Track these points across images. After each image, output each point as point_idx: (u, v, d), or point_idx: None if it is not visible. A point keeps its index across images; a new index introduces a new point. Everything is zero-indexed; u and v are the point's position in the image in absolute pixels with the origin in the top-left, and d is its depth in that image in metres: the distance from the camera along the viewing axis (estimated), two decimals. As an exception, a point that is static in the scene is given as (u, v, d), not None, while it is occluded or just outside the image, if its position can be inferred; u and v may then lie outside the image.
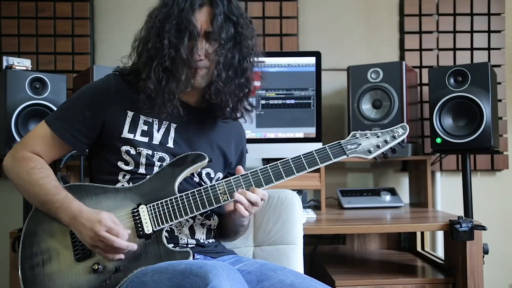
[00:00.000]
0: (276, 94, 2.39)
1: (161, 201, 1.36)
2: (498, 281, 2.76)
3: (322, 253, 2.58)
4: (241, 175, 1.39)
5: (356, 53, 2.77)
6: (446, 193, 2.76)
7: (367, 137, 1.45)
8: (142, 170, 1.42)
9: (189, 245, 1.44)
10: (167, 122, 1.46)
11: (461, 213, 2.14)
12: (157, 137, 1.44)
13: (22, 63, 2.13)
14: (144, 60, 1.38)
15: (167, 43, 1.34)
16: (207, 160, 1.42)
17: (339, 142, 1.43)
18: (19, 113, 2.06)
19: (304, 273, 1.45)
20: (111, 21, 2.75)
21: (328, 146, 1.42)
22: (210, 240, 1.50)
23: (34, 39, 2.69)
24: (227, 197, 1.37)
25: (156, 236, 1.34)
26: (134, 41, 1.44)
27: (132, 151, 1.42)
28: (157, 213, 1.35)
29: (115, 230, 1.27)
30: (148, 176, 1.41)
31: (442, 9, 2.78)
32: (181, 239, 1.43)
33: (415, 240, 2.60)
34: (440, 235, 2.68)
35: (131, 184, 1.41)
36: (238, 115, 1.51)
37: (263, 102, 2.38)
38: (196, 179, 1.48)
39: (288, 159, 1.39)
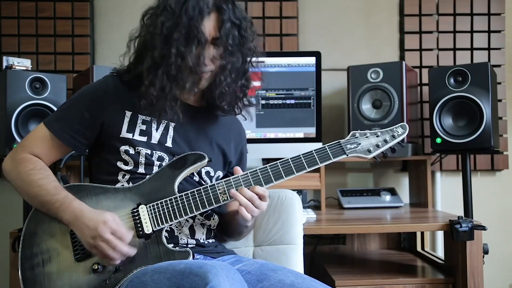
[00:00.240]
0: (276, 94, 2.39)
1: (160, 201, 1.36)
2: (498, 281, 2.76)
3: (322, 253, 2.58)
4: (241, 175, 1.39)
5: (356, 53, 2.78)
6: (446, 193, 2.76)
7: (366, 137, 1.45)
8: (141, 169, 1.42)
9: (189, 245, 1.44)
10: (166, 121, 1.46)
11: (461, 213, 2.14)
12: (156, 136, 1.44)
13: (22, 63, 2.13)
14: (148, 66, 1.36)
15: (174, 51, 1.33)
16: (206, 160, 1.42)
17: (339, 142, 1.43)
18: (19, 113, 2.06)
19: (304, 273, 1.45)
20: (111, 21, 2.75)
21: (327, 146, 1.42)
22: (210, 240, 1.50)
23: (34, 39, 2.69)
24: (227, 197, 1.37)
25: (156, 236, 1.34)
26: (130, 41, 1.43)
27: (131, 151, 1.42)
28: (157, 213, 1.35)
29: (119, 232, 1.27)
30: (147, 176, 1.41)
31: (442, 9, 2.78)
32: (181, 239, 1.43)
33: (415, 240, 2.60)
34: (440, 235, 2.68)
35: (130, 184, 1.41)
36: (237, 111, 1.53)
37: (263, 102, 2.38)
38: (196, 178, 1.48)
39: (288, 159, 1.39)
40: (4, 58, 2.11)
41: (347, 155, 1.42)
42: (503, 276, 2.78)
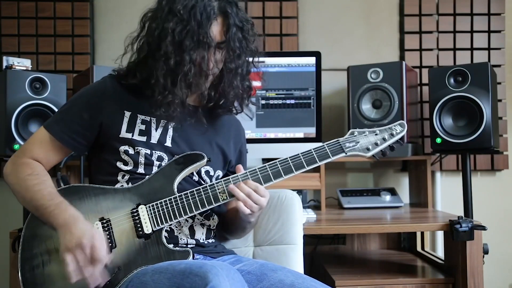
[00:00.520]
0: (276, 94, 2.39)
1: (160, 201, 1.37)
2: (498, 281, 2.76)
3: (322, 253, 2.58)
4: (240, 174, 1.39)
5: (356, 53, 2.78)
6: (446, 193, 2.76)
7: (365, 135, 1.45)
8: (141, 170, 1.42)
9: (189, 245, 1.44)
10: (165, 121, 1.46)
11: (461, 213, 2.14)
12: (155, 136, 1.44)
13: (22, 63, 2.13)
14: (163, 73, 1.35)
15: (188, 58, 1.34)
16: (206, 159, 1.43)
17: (338, 140, 1.43)
18: (19, 113, 2.05)
19: (304, 273, 1.45)
20: (111, 21, 2.75)
21: (326, 144, 1.42)
22: (210, 240, 1.50)
23: (34, 39, 2.69)
24: (226, 196, 1.38)
25: (155, 236, 1.34)
26: (131, 44, 1.43)
27: (131, 151, 1.42)
28: (157, 213, 1.35)
29: (97, 251, 1.23)
30: (147, 176, 1.41)
31: (442, 9, 2.78)
32: (180, 239, 1.43)
33: (415, 240, 2.60)
34: (440, 235, 2.68)
35: (130, 185, 1.41)
36: (239, 111, 1.54)
37: (263, 102, 2.38)
38: (196, 177, 1.48)
39: (287, 158, 1.40)
40: (4, 58, 2.11)
41: (346, 154, 1.42)
42: (503, 276, 2.78)
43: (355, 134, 1.45)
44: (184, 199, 1.37)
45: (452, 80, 2.23)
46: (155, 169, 1.43)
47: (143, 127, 1.44)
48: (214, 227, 1.54)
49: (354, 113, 2.40)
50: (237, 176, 1.39)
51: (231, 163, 1.59)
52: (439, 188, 2.75)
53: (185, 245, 1.43)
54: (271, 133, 2.39)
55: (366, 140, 1.44)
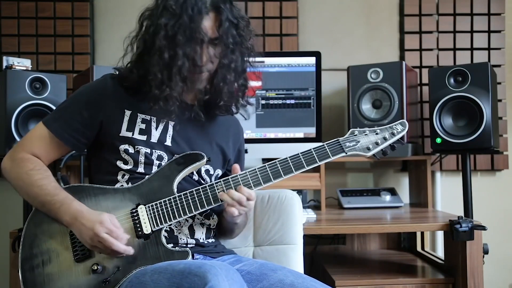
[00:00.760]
0: (276, 94, 2.39)
1: (160, 201, 1.36)
2: (498, 281, 2.76)
3: (322, 253, 2.58)
4: (239, 174, 1.39)
5: (356, 53, 2.78)
6: (446, 193, 2.76)
7: (365, 134, 1.44)
8: (141, 169, 1.42)
9: (188, 245, 1.44)
10: (165, 120, 1.46)
11: (461, 213, 2.14)
12: (156, 135, 1.44)
13: (22, 63, 2.13)
14: (158, 69, 1.35)
15: (181, 52, 1.34)
16: (205, 159, 1.43)
17: (338, 140, 1.42)
18: (19, 113, 2.06)
19: (304, 273, 1.45)
20: (111, 21, 2.76)
21: (326, 144, 1.41)
22: (210, 240, 1.50)
23: (34, 39, 2.69)
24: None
25: (155, 236, 1.34)
26: (130, 44, 1.43)
27: (131, 150, 1.42)
28: (156, 213, 1.35)
29: (115, 232, 1.28)
30: (147, 176, 1.41)
31: (442, 9, 2.78)
32: (180, 239, 1.43)
33: (415, 240, 2.60)
34: (440, 235, 2.68)
35: (130, 185, 1.41)
36: (235, 110, 1.54)
37: (263, 102, 2.38)
38: (196, 177, 1.48)
39: (287, 158, 1.39)
40: (4, 58, 2.11)
41: (346, 153, 1.41)
42: (503, 276, 2.78)
43: (355, 134, 1.44)
44: (184, 200, 1.37)
45: (452, 80, 2.23)
46: (155, 168, 1.42)
47: (143, 126, 1.43)
48: (214, 227, 1.54)
49: (354, 113, 2.40)
50: (237, 176, 1.39)
51: (230, 162, 1.59)
52: (439, 188, 2.75)
53: (185, 245, 1.43)
54: (271, 133, 2.39)
55: (366, 140, 1.43)
